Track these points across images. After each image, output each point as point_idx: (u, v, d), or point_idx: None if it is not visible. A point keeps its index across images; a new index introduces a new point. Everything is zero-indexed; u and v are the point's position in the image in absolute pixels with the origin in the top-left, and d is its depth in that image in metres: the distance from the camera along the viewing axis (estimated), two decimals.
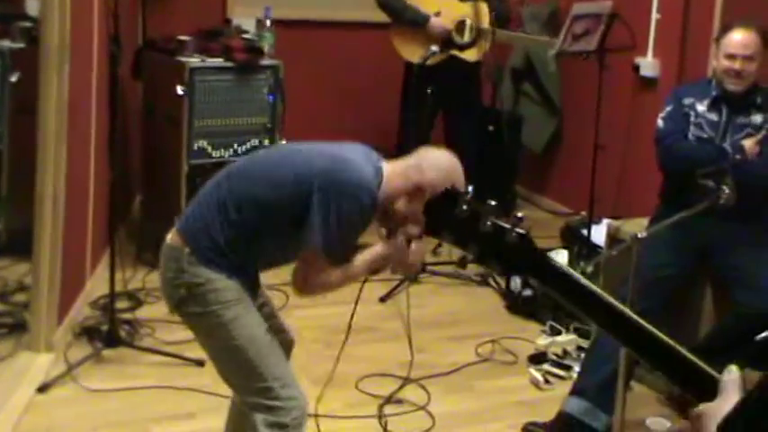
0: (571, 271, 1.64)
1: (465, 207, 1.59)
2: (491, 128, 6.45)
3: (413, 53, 6.35)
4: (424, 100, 6.02)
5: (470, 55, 6.40)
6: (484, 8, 6.32)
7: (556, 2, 7.34)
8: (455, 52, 6.28)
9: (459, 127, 6.75)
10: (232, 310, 3.19)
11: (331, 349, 3.76)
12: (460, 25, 6.36)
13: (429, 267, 6.00)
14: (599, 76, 5.86)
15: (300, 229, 3.09)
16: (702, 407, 1.47)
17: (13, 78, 5.42)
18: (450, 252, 6.26)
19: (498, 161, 6.88)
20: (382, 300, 5.56)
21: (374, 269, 3.29)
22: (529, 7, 7.06)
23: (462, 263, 1.70)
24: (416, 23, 6.32)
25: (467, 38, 6.37)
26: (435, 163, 3.21)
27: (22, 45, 5.52)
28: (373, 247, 3.23)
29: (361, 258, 3.23)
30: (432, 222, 1.62)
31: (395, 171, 3.20)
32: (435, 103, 6.34)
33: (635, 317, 1.64)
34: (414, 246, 3.12)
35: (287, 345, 3.50)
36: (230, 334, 3.19)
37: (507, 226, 1.60)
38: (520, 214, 1.64)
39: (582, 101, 6.80)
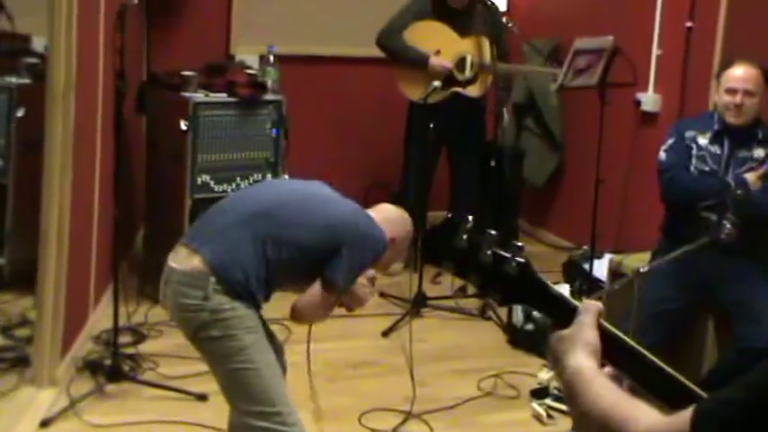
0: (573, 300, 1.65)
1: (465, 237, 1.61)
2: (493, 162, 6.46)
3: (415, 91, 6.37)
4: (426, 136, 6.04)
5: (473, 90, 6.42)
6: (484, 43, 6.34)
7: (557, 37, 7.38)
8: (458, 89, 6.31)
9: (463, 163, 6.77)
10: (251, 336, 3.33)
11: (333, 384, 3.77)
12: (461, 62, 6.38)
13: (431, 302, 6.02)
14: (600, 110, 5.89)
15: (319, 270, 3.42)
16: (563, 332, 1.55)
17: (19, 113, 5.46)
18: (453, 285, 6.28)
19: (500, 195, 6.89)
20: (384, 334, 5.56)
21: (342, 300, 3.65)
22: (530, 42, 7.09)
23: (463, 292, 1.72)
24: (416, 64, 6.35)
25: (468, 74, 6.39)
26: (396, 219, 3.75)
27: (28, 81, 5.56)
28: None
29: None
30: (432, 252, 1.64)
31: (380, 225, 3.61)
32: (439, 139, 6.35)
33: (635, 346, 1.65)
34: (364, 281, 3.62)
35: (283, 369, 3.63)
36: (248, 358, 3.31)
37: (507, 255, 1.62)
38: (519, 243, 1.66)
39: (583, 135, 6.82)
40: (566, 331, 1.55)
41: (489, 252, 1.61)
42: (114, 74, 4.80)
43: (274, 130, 5.90)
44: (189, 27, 7.15)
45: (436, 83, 5.98)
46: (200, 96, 5.71)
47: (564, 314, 1.61)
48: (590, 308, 1.58)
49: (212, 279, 3.28)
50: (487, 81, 6.41)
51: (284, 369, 3.59)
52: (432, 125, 5.94)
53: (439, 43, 6.36)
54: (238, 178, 5.81)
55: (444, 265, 1.64)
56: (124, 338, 5.18)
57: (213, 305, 3.28)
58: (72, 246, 4.65)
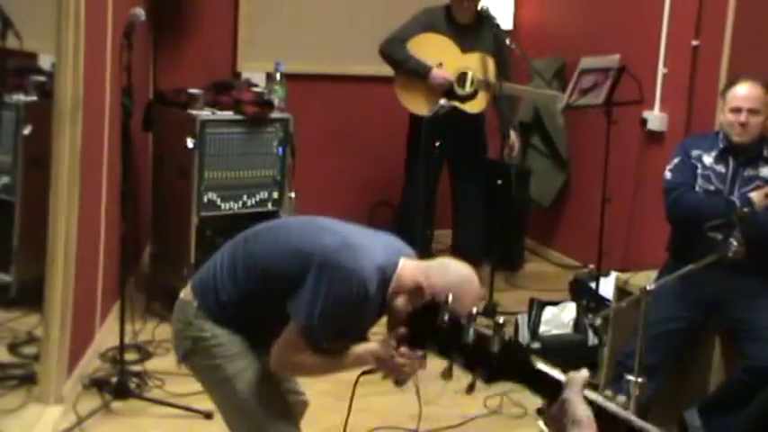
0: (557, 374, 1.64)
1: (446, 317, 1.60)
2: (499, 181, 6.47)
3: (416, 104, 6.39)
4: (432, 153, 6.05)
5: (472, 107, 6.42)
6: (486, 60, 6.36)
7: (563, 56, 7.40)
8: (457, 104, 6.31)
9: (465, 179, 6.78)
10: (236, 364, 3.24)
11: (341, 401, 3.75)
12: (462, 76, 6.40)
13: None
14: (607, 129, 5.90)
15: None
16: (551, 410, 1.54)
17: (26, 131, 5.47)
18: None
19: (507, 215, 6.90)
20: None
21: (363, 366, 3.19)
22: (536, 62, 7.11)
23: (449, 373, 1.72)
24: (418, 74, 6.36)
25: (468, 89, 6.41)
26: (445, 270, 3.08)
27: (35, 98, 5.57)
28: (368, 344, 3.18)
29: (353, 351, 3.17)
30: (415, 334, 1.64)
31: (407, 268, 3.11)
32: (440, 156, 6.36)
33: (621, 411, 1.66)
34: (404, 349, 2.90)
35: (300, 407, 3.56)
36: (233, 387, 3.24)
37: (489, 333, 1.62)
38: (501, 320, 1.66)
39: (590, 154, 6.83)
40: (553, 410, 1.55)
41: (472, 331, 1.61)
42: (121, 91, 4.81)
43: (281, 149, 5.90)
44: (196, 45, 7.17)
45: (443, 101, 5.97)
46: (206, 114, 5.73)
47: (550, 389, 1.61)
48: (574, 381, 1.57)
49: (194, 304, 3.25)
50: (487, 98, 6.42)
51: (302, 405, 3.56)
52: (438, 143, 5.94)
53: (442, 56, 6.38)
54: (245, 196, 5.82)
55: (428, 347, 1.64)
56: (131, 356, 5.18)
57: (195, 332, 3.24)
58: (79, 263, 4.65)
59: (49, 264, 4.55)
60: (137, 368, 5.12)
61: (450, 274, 3.04)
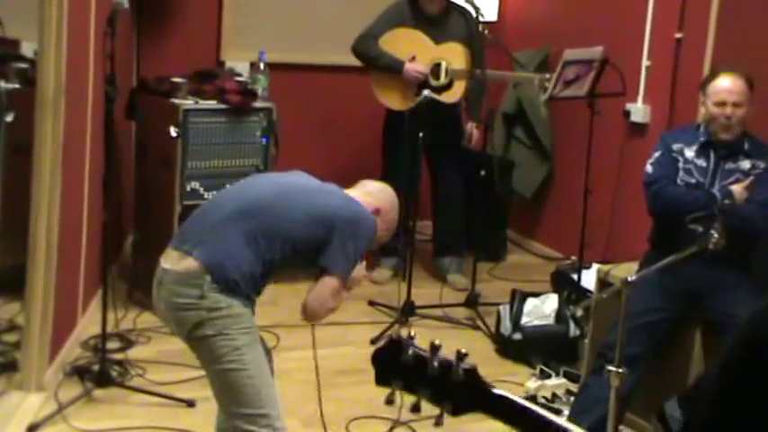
0: (520, 400, 1.66)
1: (410, 353, 1.63)
2: (482, 173, 6.47)
3: (392, 100, 6.41)
4: (415, 144, 6.06)
5: (448, 97, 6.43)
6: (458, 48, 6.36)
7: (547, 48, 7.41)
8: (433, 95, 6.30)
9: (443, 169, 6.80)
10: (246, 337, 3.36)
11: (322, 391, 3.76)
12: (436, 68, 6.41)
13: (419, 310, 6.02)
14: (590, 121, 5.91)
15: (315, 260, 3.45)
16: None
17: (9, 118, 5.44)
18: (441, 295, 6.29)
19: (489, 206, 6.92)
20: (373, 342, 5.56)
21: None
22: (520, 53, 7.11)
23: (416, 408, 1.74)
24: (392, 70, 6.37)
25: (443, 80, 6.42)
26: (383, 191, 3.86)
27: (17, 86, 5.54)
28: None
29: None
30: (381, 373, 1.67)
31: (364, 200, 3.70)
32: (420, 146, 6.37)
33: None
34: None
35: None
36: (241, 358, 3.34)
37: (453, 363, 1.64)
38: (464, 350, 1.69)
39: (572, 146, 6.85)
40: None
41: (436, 364, 1.63)
42: (104, 79, 4.80)
43: (264, 138, 5.90)
44: (179, 34, 7.16)
45: (426, 92, 5.97)
46: (190, 103, 5.72)
47: (518, 416, 1.62)
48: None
49: (208, 278, 3.30)
50: (463, 87, 6.43)
51: (272, 374, 3.61)
52: (421, 134, 5.95)
53: (414, 50, 6.39)
54: (228, 185, 5.78)
55: (394, 385, 1.67)
56: (112, 344, 5.18)
57: (209, 303, 3.30)
58: (61, 251, 4.65)
59: (30, 251, 4.55)
60: (118, 356, 5.12)
61: (387, 193, 3.84)
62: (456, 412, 1.67)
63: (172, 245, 3.53)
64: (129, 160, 6.35)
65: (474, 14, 6.29)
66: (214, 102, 5.80)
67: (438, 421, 1.80)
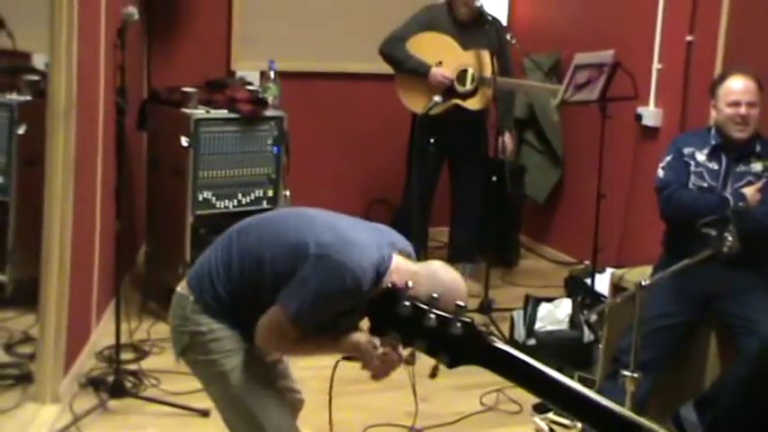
0: (520, 354, 1.64)
1: (407, 304, 1.61)
2: (494, 178, 6.47)
3: (417, 103, 6.38)
4: (427, 150, 6.05)
5: (473, 104, 6.42)
6: (486, 56, 6.36)
7: (558, 52, 7.40)
8: (458, 101, 6.31)
9: (464, 177, 6.78)
10: (232, 360, 3.27)
11: (336, 399, 3.76)
12: (462, 74, 6.40)
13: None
14: (601, 125, 5.90)
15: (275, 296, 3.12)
16: None
17: (20, 131, 5.46)
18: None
19: (501, 211, 6.91)
20: None
21: (346, 354, 3.25)
22: (531, 57, 7.10)
23: (410, 361, 1.73)
24: (418, 73, 6.36)
25: (468, 86, 6.41)
26: (433, 276, 3.07)
27: (28, 98, 5.56)
28: (354, 334, 3.19)
29: (340, 339, 3.19)
30: (376, 322, 1.64)
31: (398, 267, 3.13)
32: (440, 154, 6.37)
33: (579, 388, 1.66)
34: (387, 349, 3.09)
35: (296, 405, 3.60)
36: (229, 383, 3.27)
37: (451, 317, 1.61)
38: (461, 303, 1.65)
39: (584, 150, 6.83)
40: None
41: (433, 316, 1.60)
42: (115, 91, 4.81)
43: (275, 147, 5.90)
44: (190, 44, 7.17)
45: (437, 98, 5.97)
46: (200, 113, 5.72)
47: (512, 368, 1.62)
48: None
49: (191, 298, 3.27)
50: (488, 95, 6.42)
51: (297, 403, 3.59)
52: (432, 139, 5.95)
53: (441, 55, 6.38)
54: (240, 194, 5.81)
55: (390, 336, 1.64)
56: (126, 355, 5.18)
57: (192, 326, 3.26)
58: (74, 262, 4.65)
59: (44, 263, 4.55)
60: (133, 367, 5.12)
61: (438, 280, 3.03)
62: (452, 364, 1.65)
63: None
64: (141, 171, 6.37)
65: (502, 23, 6.29)
66: (225, 111, 5.80)
67: (433, 373, 1.78)
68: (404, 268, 3.13)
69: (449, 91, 6.29)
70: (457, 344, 1.62)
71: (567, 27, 7.55)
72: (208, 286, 3.24)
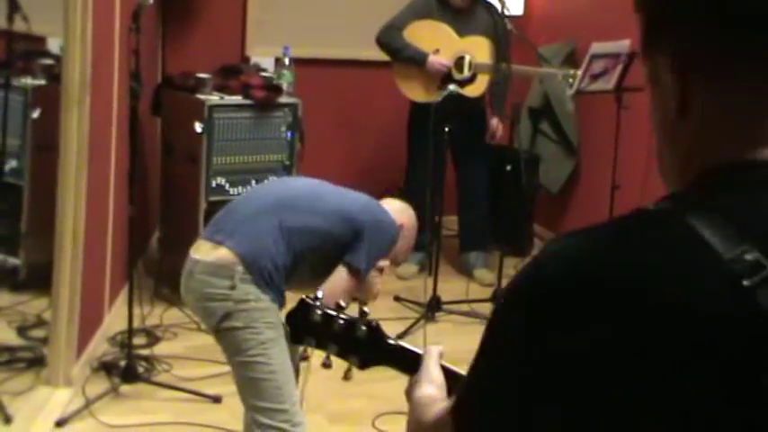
0: (416, 349, 1.75)
1: (318, 312, 1.74)
2: (508, 167, 6.45)
3: (415, 92, 6.40)
4: (441, 138, 6.04)
5: (472, 91, 6.40)
6: (483, 42, 6.34)
7: (574, 42, 7.37)
8: (456, 88, 6.28)
9: (468, 164, 6.77)
10: (272, 332, 3.38)
11: (348, 387, 3.76)
12: (459, 61, 6.38)
13: (445, 306, 6.00)
14: (617, 115, 5.88)
15: (338, 259, 3.51)
16: (414, 377, 1.63)
17: (35, 115, 5.47)
18: (467, 290, 6.27)
19: (516, 201, 6.89)
20: (399, 338, 5.53)
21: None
22: (546, 47, 7.07)
23: (327, 364, 1.84)
24: (415, 62, 6.35)
25: (466, 73, 6.39)
26: (406, 210, 3.88)
27: (43, 82, 5.57)
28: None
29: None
30: (293, 331, 1.78)
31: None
32: (442, 139, 6.35)
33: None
34: (374, 272, 3.68)
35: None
36: (265, 352, 3.36)
37: (355, 321, 1.74)
38: (366, 308, 1.82)
39: (599, 140, 6.81)
40: (415, 376, 1.64)
41: (341, 321, 1.73)
42: (129, 75, 4.81)
43: (289, 133, 5.89)
44: (204, 29, 7.16)
45: (452, 87, 5.94)
46: (215, 98, 5.72)
47: (414, 364, 1.68)
48: (431, 351, 1.68)
49: (240, 268, 3.34)
50: (486, 81, 6.40)
51: (297, 371, 3.61)
52: (447, 128, 5.93)
53: (438, 42, 6.37)
54: (253, 181, 5.81)
55: (305, 341, 1.77)
56: (139, 340, 5.18)
57: (239, 294, 3.33)
58: (87, 247, 4.66)
59: (57, 248, 4.56)
60: (145, 352, 5.13)
61: (410, 213, 3.87)
62: (363, 366, 1.77)
63: (203, 236, 3.56)
64: (155, 156, 6.37)
65: (499, 8, 6.28)
66: (239, 97, 5.79)
67: (346, 375, 1.88)
68: (394, 211, 3.80)
69: (447, 78, 6.27)
70: (363, 345, 1.74)
71: (583, 16, 7.52)
72: (265, 258, 3.38)
